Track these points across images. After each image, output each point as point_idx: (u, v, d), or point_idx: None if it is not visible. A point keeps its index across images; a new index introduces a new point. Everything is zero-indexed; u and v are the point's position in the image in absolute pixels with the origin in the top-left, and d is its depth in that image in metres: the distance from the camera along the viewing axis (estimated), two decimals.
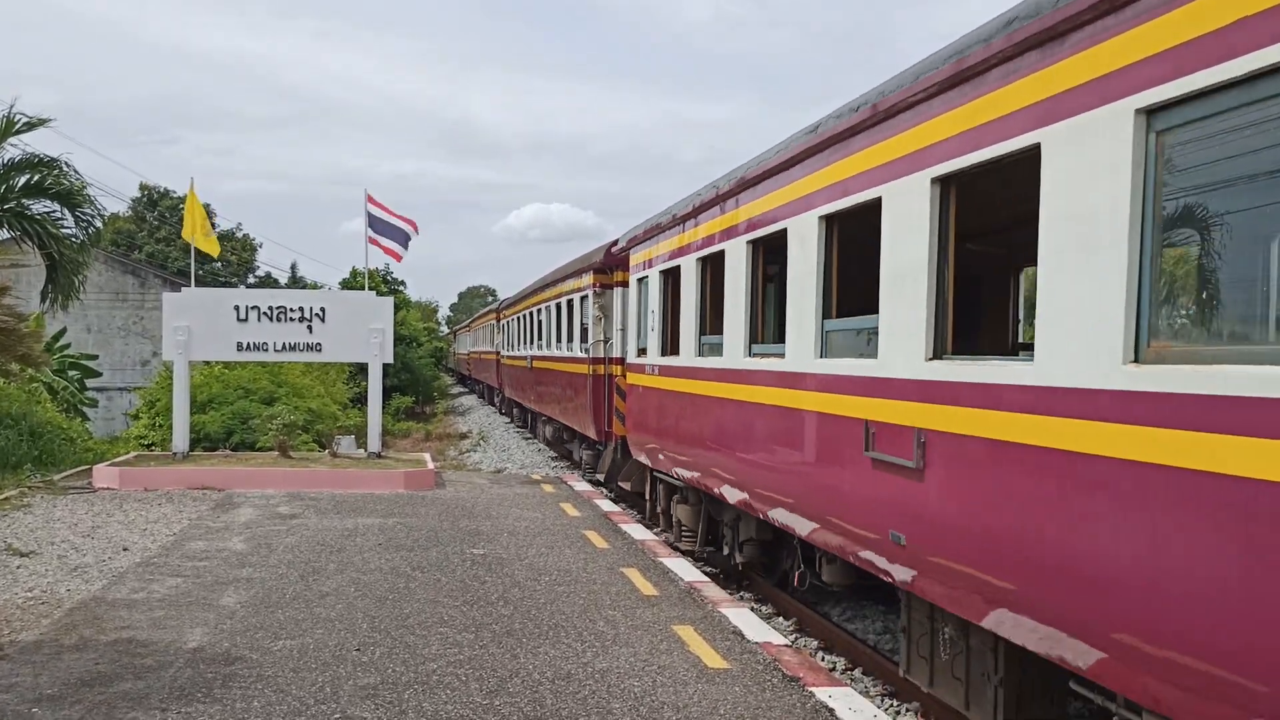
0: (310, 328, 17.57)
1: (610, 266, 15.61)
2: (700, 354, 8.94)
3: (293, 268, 70.71)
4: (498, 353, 31.13)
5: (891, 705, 7.26)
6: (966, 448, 4.00)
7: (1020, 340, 8.85)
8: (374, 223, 18.31)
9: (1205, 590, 2.58)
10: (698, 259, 9.00)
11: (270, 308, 17.27)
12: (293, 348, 17.38)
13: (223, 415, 19.09)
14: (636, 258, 12.19)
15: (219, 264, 54.83)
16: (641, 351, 11.83)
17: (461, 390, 57.20)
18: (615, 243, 15.04)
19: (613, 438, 15.01)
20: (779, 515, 6.98)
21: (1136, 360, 3.09)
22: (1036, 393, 3.55)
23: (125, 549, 10.85)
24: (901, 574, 4.78)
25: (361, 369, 26.50)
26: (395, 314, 18.38)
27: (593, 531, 12.47)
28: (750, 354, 7.44)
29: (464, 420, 36.86)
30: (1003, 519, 3.74)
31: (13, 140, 13.89)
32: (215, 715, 5.94)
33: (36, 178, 13.96)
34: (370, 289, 21.21)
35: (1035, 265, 3.70)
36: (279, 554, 10.73)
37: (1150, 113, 3.03)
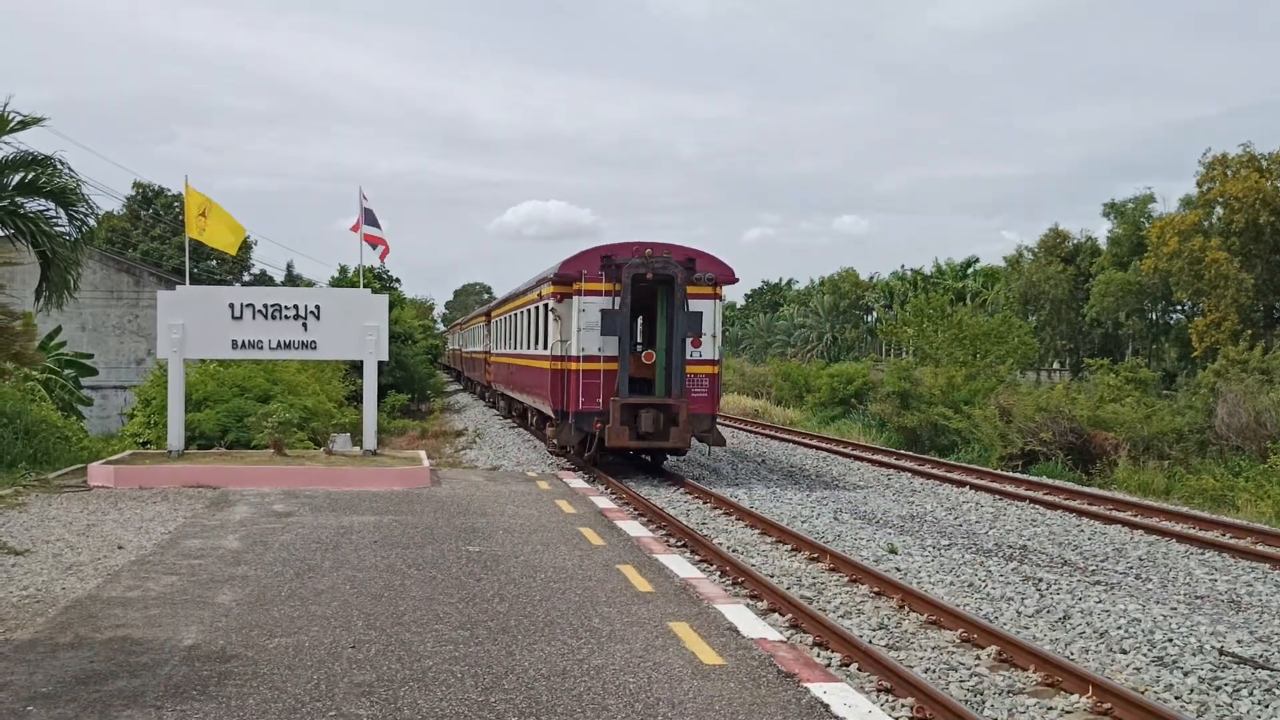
0: (305, 325, 17.40)
1: (561, 281, 19.74)
2: (503, 349, 24.86)
3: (289, 266, 69.86)
4: (487, 351, 36.52)
5: (887, 700, 7.32)
6: (514, 367, 23.99)
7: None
8: (367, 217, 18.69)
9: (535, 381, 20.85)
10: (498, 316, 25.48)
11: (265, 305, 17.20)
12: (288, 346, 17.21)
13: (218, 413, 19.01)
14: (497, 311, 27.97)
15: (214, 262, 54.25)
16: (490, 349, 26.40)
17: (457, 388, 56.92)
18: (544, 280, 21.40)
19: (568, 414, 19.04)
20: (520, 397, 23.71)
21: (538, 348, 19.94)
22: (519, 355, 22.65)
23: (120, 547, 10.83)
24: (510, 391, 24.76)
25: (357, 367, 26.49)
26: (390, 311, 18.83)
27: (588, 528, 12.47)
28: (512, 350, 23.52)
29: (460, 418, 36.67)
30: (518, 377, 23.63)
31: (6, 138, 13.77)
32: (210, 713, 5.94)
33: (30, 176, 13.96)
34: (365, 286, 21.27)
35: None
36: (274, 552, 10.70)
37: (490, 318, 28.36)
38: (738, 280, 19.64)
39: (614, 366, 19.54)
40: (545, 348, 21.19)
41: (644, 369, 20.12)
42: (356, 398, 25.67)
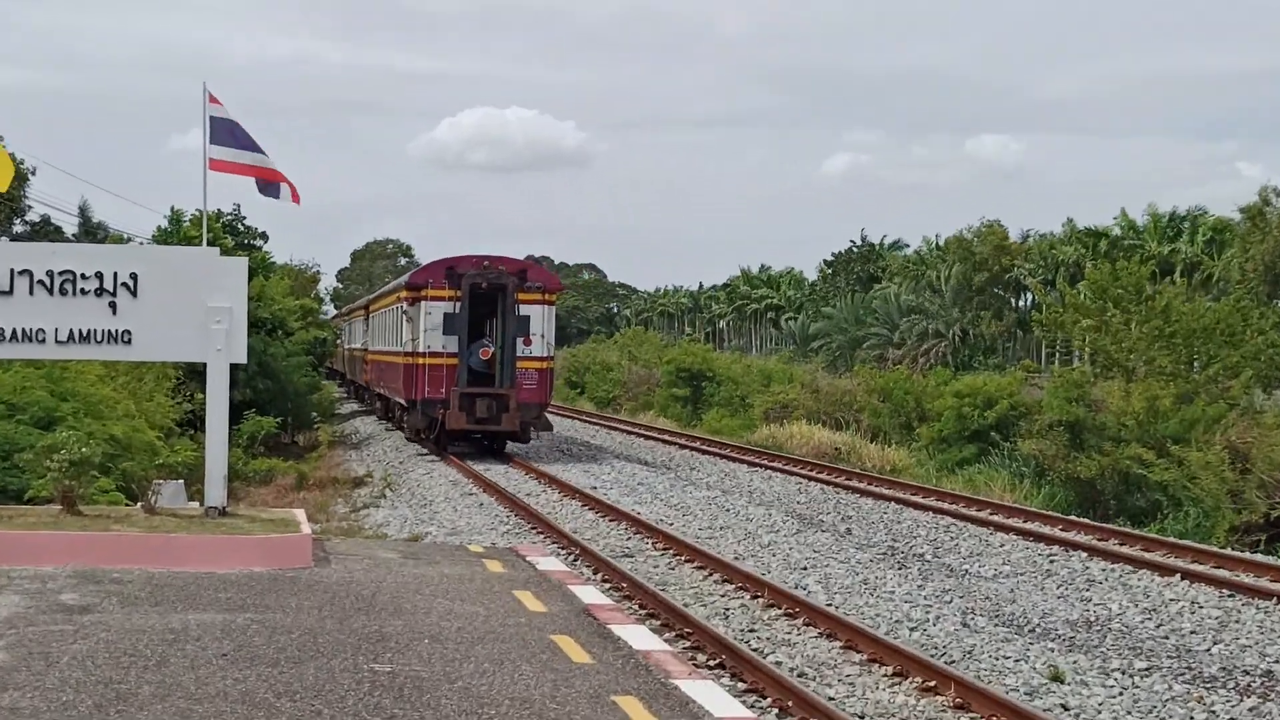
0: (114, 306, 13.70)
1: (412, 288, 28.31)
2: (379, 346, 38.05)
3: (82, 210, 55.20)
4: (366, 349, 41.70)
5: None
6: (384, 365, 35.48)
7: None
8: (219, 133, 14.18)
9: (396, 378, 31.04)
10: (377, 311, 37.78)
11: (49, 273, 13.54)
12: (85, 338, 13.74)
13: None
14: (377, 305, 38.57)
15: None
16: (368, 347, 43.10)
17: (358, 408, 49.27)
18: (399, 285, 31.14)
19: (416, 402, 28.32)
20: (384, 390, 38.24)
21: (397, 345, 30.98)
22: (388, 352, 34.17)
23: None
24: (381, 389, 37.86)
25: (196, 372, 21.64)
26: (251, 283, 15.89)
27: (566, 636, 10.29)
28: (384, 347, 36.28)
29: (360, 455, 32.07)
30: (386, 375, 34.39)
31: None
32: None
33: None
34: (213, 244, 17.12)
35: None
36: (62, 670, 8.84)
37: (370, 311, 39.28)
38: (563, 289, 26.32)
39: (455, 361, 26.63)
40: (401, 345, 29.56)
41: (485, 364, 26.97)
42: (195, 423, 21.92)
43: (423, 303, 27.10)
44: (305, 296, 47.68)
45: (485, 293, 27.22)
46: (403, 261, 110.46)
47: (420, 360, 27.29)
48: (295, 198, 14.28)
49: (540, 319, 27.34)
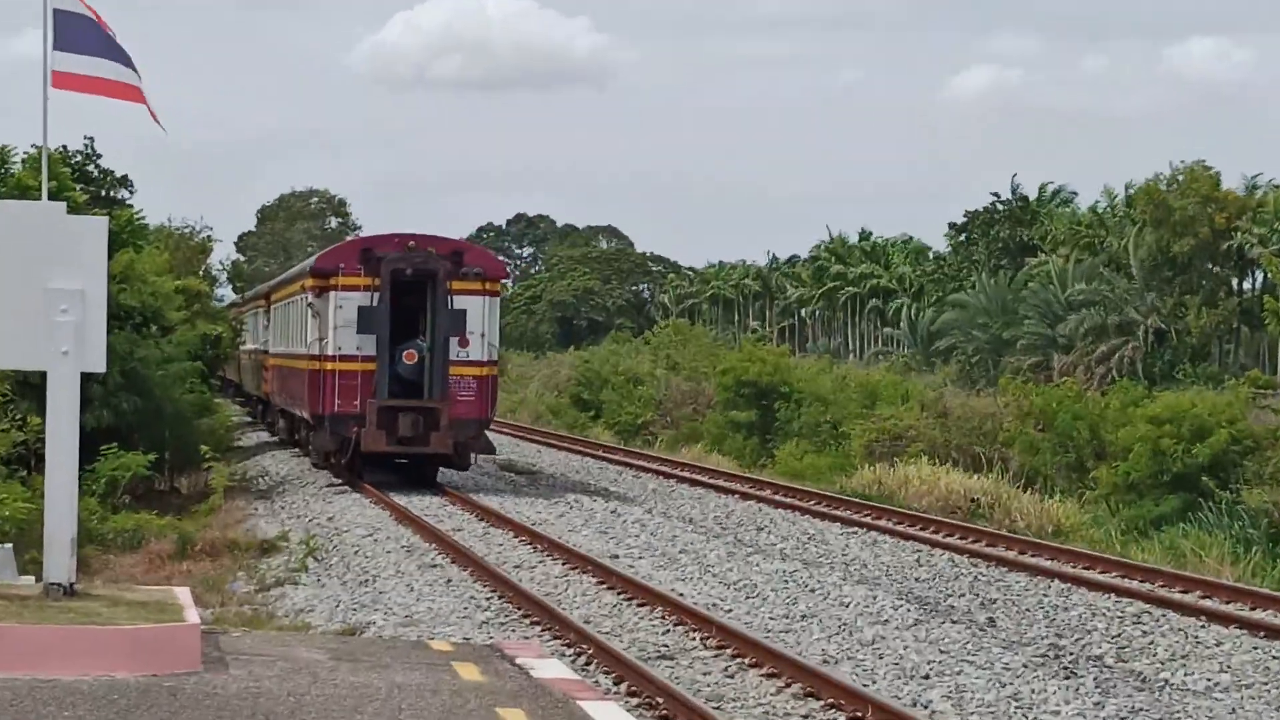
0: None
1: (318, 275, 32.23)
2: (280, 347, 45.48)
3: None
4: (265, 350, 46.15)
5: None
6: (286, 369, 43.27)
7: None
8: (67, 34, 14.03)
9: (299, 387, 37.05)
10: (280, 301, 45.21)
11: None
12: None
13: None
14: (280, 294, 45.53)
15: None
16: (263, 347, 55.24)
17: (267, 438, 50.45)
18: (303, 271, 36.56)
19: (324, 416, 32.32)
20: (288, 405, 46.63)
21: (300, 346, 37.84)
22: (288, 356, 42.57)
23: None
24: (286, 403, 45.21)
25: (31, 387, 22.56)
26: (113, 257, 17.69)
27: None
28: (286, 349, 44.23)
29: (271, 507, 32.23)
30: (289, 383, 40.11)
31: None
32: None
33: None
34: (55, 197, 17.40)
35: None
36: None
37: (270, 300, 47.06)
38: (509, 276, 29.72)
39: (372, 367, 29.53)
40: (306, 346, 33.10)
41: (411, 370, 30.22)
42: (31, 460, 22.39)
43: (332, 293, 30.94)
44: (192, 275, 48.35)
45: (411, 281, 30.70)
46: (333, 224, 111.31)
47: (329, 365, 31.14)
48: (134, 97, 14.24)
49: (480, 313, 30.81)
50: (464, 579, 21.96)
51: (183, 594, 16.04)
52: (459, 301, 30.12)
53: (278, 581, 22.14)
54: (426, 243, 30.82)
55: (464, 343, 30.14)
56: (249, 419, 55.68)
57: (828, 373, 55.44)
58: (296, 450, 41.48)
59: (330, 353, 30.61)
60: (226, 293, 71.32)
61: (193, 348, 34.75)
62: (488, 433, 32.05)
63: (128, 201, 37.93)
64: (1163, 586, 22.49)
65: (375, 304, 29.73)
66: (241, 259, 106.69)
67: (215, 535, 26.14)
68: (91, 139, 33.78)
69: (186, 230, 60.76)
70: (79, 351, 14.54)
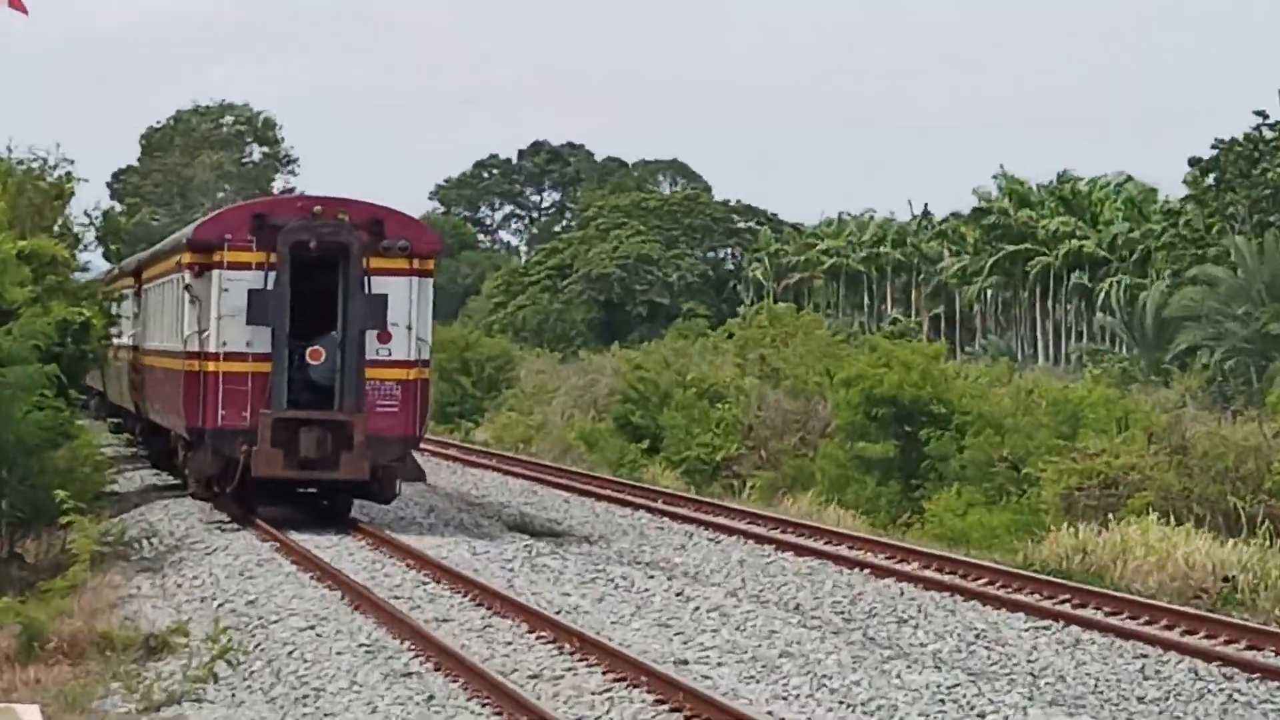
0: None
1: (198, 249, 35.58)
2: (152, 343, 53.63)
3: None
4: (137, 346, 50.46)
5: None
6: (157, 372, 50.74)
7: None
8: None
9: (173, 393, 44.14)
10: (153, 281, 52.41)
11: None
12: None
13: None
14: (153, 269, 53.36)
15: None
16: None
17: (154, 479, 51.77)
18: (178, 245, 41.33)
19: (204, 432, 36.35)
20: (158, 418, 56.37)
21: (182, 346, 42.11)
22: (160, 354, 49.85)
23: None
24: (159, 415, 53.81)
25: None
26: None
27: None
28: (158, 344, 52.51)
29: (160, 583, 32.15)
30: (163, 388, 46.53)
31: None
32: None
33: None
34: None
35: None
36: None
37: (142, 279, 55.88)
38: (443, 251, 30.55)
39: (267, 368, 32.14)
40: (183, 340, 36.02)
41: (317, 372, 32.68)
42: None
43: (215, 272, 33.96)
44: (43, 232, 48.26)
45: (317, 257, 32.34)
46: (256, 155, 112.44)
47: (210, 366, 34.26)
48: (18, 4, 14.65)
49: (406, 299, 33.13)
50: (454, 695, 21.57)
51: (29, 713, 16.29)
52: (379, 284, 32.00)
53: (171, 698, 21.68)
54: (336, 207, 32.35)
55: (385, 337, 32.14)
56: (130, 447, 56.55)
57: (1004, 385, 55.29)
58: (157, 466, 45.12)
59: (212, 349, 32.97)
60: (95, 259, 71.69)
61: (45, 342, 34.08)
62: (415, 454, 33.60)
63: None
64: None
65: (271, 287, 31.59)
66: (118, 208, 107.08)
67: (78, 626, 25.83)
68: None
69: (34, 166, 61.08)
70: None
